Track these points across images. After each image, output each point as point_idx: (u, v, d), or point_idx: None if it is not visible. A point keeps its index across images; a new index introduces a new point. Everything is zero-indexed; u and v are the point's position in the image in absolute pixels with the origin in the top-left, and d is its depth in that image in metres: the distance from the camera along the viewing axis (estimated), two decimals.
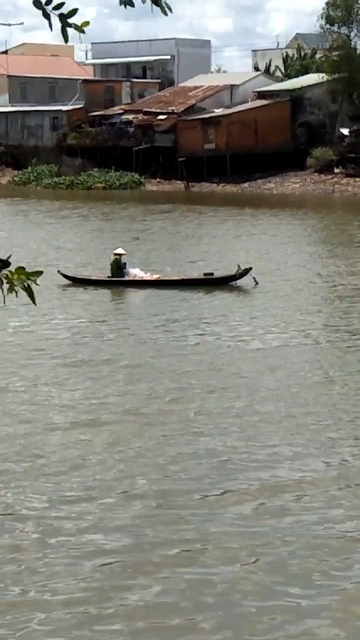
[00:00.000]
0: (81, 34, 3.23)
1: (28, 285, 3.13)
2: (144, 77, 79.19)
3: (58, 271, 27.86)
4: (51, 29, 3.14)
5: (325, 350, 20.59)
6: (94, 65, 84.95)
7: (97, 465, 13.46)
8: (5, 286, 3.12)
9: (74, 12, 3.22)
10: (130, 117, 70.08)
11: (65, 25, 3.16)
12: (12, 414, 16.11)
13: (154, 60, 78.59)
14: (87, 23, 3.18)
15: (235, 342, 21.35)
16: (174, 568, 10.51)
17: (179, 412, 16.08)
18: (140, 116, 69.71)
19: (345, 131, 65.98)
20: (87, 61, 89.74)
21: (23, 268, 3.17)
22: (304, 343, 21.06)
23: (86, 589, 10.13)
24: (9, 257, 3.26)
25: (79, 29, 3.14)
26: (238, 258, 31.03)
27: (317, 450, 14.06)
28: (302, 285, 28.43)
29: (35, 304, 3.52)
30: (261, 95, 69.98)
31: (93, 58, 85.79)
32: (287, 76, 76.63)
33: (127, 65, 79.70)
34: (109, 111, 72.58)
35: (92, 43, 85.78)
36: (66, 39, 3.25)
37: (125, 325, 23.38)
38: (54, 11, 3.18)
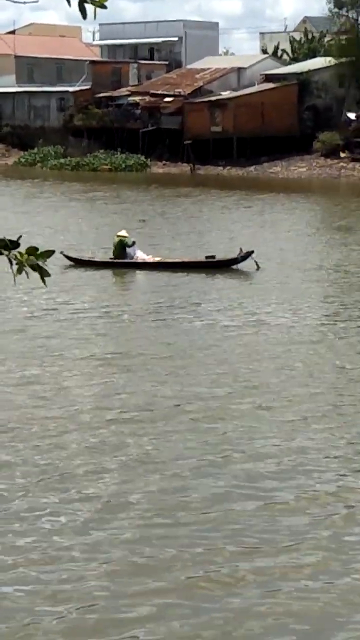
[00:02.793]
0: (94, 13, 3.10)
1: (39, 265, 3.10)
2: (152, 58, 78.99)
3: (61, 252, 27.65)
4: (69, 4, 3.08)
5: (331, 340, 20.14)
6: (101, 46, 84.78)
7: (102, 472, 12.77)
8: (15, 267, 3.10)
9: None
10: (137, 99, 69.76)
11: (83, 1, 3.07)
12: (20, 410, 15.73)
13: (162, 42, 78.44)
14: (101, 1, 3.05)
15: (236, 329, 21.02)
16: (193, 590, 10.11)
17: (182, 411, 15.47)
18: (147, 98, 69.38)
19: (352, 115, 65.66)
20: (95, 42, 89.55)
21: (36, 249, 3.14)
22: (308, 331, 20.64)
23: (94, 610, 9.57)
24: (19, 237, 3.23)
25: (98, 4, 3.04)
26: (244, 241, 30.66)
27: (333, 456, 13.38)
28: (309, 271, 28.11)
29: (46, 285, 3.45)
30: (268, 78, 69.62)
31: (100, 39, 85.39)
32: (295, 59, 76.25)
33: (135, 46, 79.50)
34: (116, 93, 72.23)
35: (99, 24, 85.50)
36: (84, 16, 3.15)
37: (126, 309, 23.18)
38: None
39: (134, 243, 28.64)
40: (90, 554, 10.48)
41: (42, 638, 9.04)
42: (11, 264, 3.08)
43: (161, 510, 11.63)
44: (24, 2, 3.16)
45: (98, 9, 3.16)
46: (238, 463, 13.03)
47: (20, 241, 3.24)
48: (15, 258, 3.07)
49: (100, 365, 18.17)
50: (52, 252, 3.15)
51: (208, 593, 9.76)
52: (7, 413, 15.24)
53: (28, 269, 3.10)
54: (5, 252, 3.09)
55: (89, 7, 3.19)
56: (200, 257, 28.92)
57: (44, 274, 3.10)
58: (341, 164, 62.51)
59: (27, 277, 3.10)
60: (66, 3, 3.04)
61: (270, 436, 14.12)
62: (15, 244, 3.07)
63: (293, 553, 10.50)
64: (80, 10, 3.08)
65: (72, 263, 28.14)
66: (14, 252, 3.07)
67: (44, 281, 3.20)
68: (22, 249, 3.18)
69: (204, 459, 13.18)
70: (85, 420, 14.93)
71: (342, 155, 63.20)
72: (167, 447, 13.70)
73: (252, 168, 64.08)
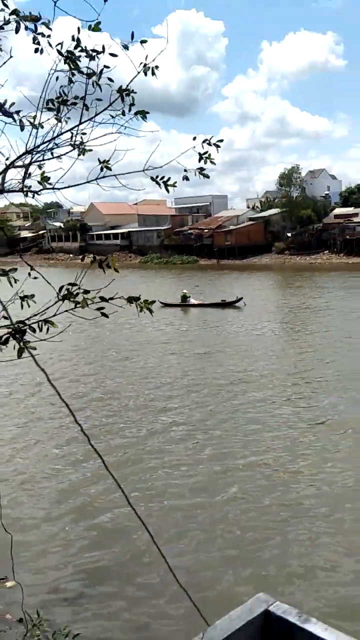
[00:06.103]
0: (171, 189, 4.65)
1: (148, 307, 4.39)
2: (198, 212, 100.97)
3: (158, 300, 33.42)
4: (160, 186, 4.68)
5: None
6: (176, 208, 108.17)
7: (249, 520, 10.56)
8: (138, 308, 4.40)
9: (172, 183, 4.90)
10: (193, 231, 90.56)
11: (166, 186, 4.70)
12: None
13: (202, 205, 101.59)
14: (174, 184, 5.01)
15: (246, 334, 24.21)
16: None
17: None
18: (196, 230, 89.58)
19: (289, 234, 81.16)
20: (172, 206, 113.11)
21: (147, 300, 4.42)
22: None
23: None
24: (139, 296, 4.58)
25: (172, 185, 4.87)
26: (243, 293, 39.28)
27: None
28: (269, 307, 34.27)
29: (153, 316, 4.60)
30: (250, 219, 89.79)
31: (175, 205, 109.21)
32: (262, 210, 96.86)
33: (191, 208, 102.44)
34: (183, 229, 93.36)
35: (174, 198, 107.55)
36: (168, 190, 4.78)
37: (190, 326, 27.67)
38: (160, 181, 4.65)
39: (189, 296, 34.97)
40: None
41: None
42: (137, 307, 4.39)
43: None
44: (138, 190, 5.23)
45: (175, 185, 4.65)
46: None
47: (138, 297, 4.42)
48: (139, 304, 4.38)
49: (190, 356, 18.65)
50: (154, 301, 4.30)
51: None
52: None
53: (145, 310, 4.35)
54: (135, 302, 4.37)
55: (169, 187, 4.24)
56: (218, 301, 35.75)
57: (151, 312, 4.36)
58: (285, 256, 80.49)
59: (142, 311, 4.36)
60: (157, 187, 4.52)
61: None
62: (137, 298, 4.32)
63: None
64: (165, 188, 4.68)
65: (163, 306, 34.52)
66: (137, 302, 4.41)
67: (151, 313, 4.58)
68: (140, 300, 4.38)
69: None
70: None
71: (285, 252, 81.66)
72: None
73: (244, 260, 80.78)
